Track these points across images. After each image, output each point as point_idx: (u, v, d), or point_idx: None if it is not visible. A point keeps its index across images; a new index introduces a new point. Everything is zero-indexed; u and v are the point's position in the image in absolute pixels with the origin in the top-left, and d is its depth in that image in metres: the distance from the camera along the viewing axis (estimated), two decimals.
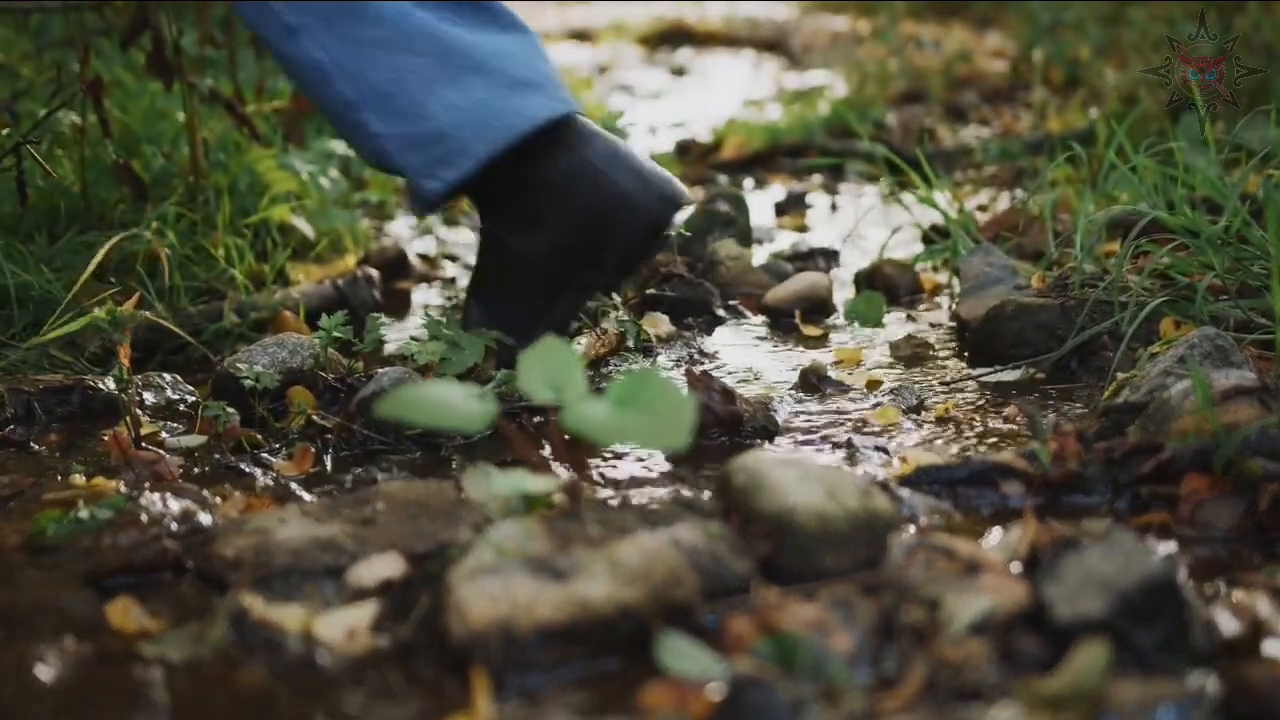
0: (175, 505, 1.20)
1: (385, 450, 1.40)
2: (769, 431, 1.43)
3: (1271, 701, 0.83)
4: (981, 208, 2.67)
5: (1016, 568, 0.99)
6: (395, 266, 2.30)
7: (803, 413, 1.51)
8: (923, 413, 1.49)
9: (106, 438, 1.37)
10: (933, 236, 2.32)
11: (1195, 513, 1.16)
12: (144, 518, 1.17)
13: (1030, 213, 2.19)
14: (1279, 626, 0.95)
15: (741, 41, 6.34)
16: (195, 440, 1.43)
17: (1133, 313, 1.56)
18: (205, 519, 1.19)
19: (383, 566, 1.05)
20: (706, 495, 1.22)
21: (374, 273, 2.08)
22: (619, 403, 1.01)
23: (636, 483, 1.30)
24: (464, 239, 2.56)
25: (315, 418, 1.44)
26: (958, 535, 1.07)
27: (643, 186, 1.52)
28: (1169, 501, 1.18)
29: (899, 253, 2.24)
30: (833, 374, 1.62)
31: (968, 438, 1.40)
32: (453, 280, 2.29)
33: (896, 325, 1.92)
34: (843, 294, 2.09)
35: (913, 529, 1.14)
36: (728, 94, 4.60)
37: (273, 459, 1.37)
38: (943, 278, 2.14)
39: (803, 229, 2.70)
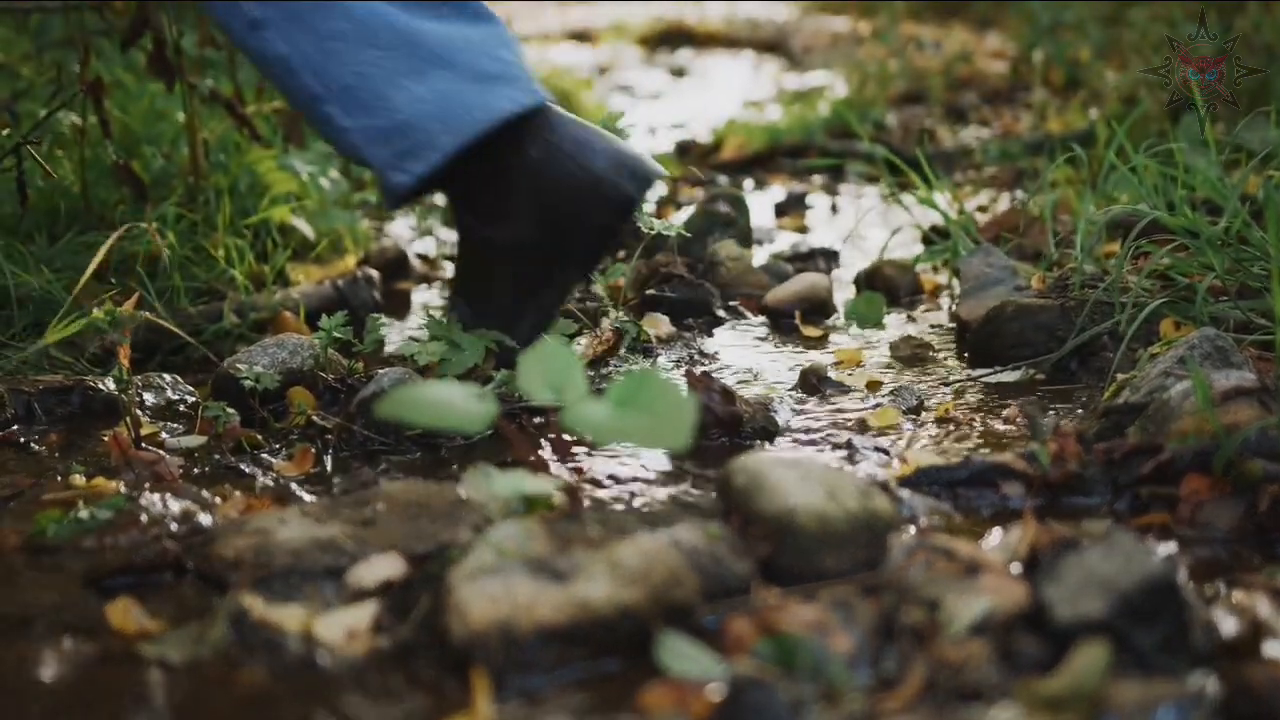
0: (175, 506, 1.20)
1: (385, 451, 1.40)
2: (769, 432, 1.43)
3: (1271, 702, 0.83)
4: (981, 209, 2.67)
5: (1016, 568, 0.99)
6: (395, 267, 2.30)
7: (803, 413, 1.51)
8: (923, 413, 1.49)
9: (106, 438, 1.37)
10: (933, 237, 2.32)
11: (1195, 514, 1.16)
12: (144, 518, 1.17)
13: (1030, 214, 2.19)
14: (1279, 627, 0.95)
15: (741, 42, 6.34)
16: (195, 441, 1.43)
17: (1132, 314, 1.56)
18: (205, 519, 1.19)
19: (383, 567, 1.05)
20: (707, 496, 1.22)
21: (374, 273, 2.08)
22: (619, 403, 1.01)
23: (636, 483, 1.30)
24: None
25: (315, 418, 1.44)
26: (958, 536, 1.07)
27: (613, 166, 1.51)
28: (1169, 502, 1.18)
29: (899, 253, 2.24)
30: (833, 375, 1.62)
31: (968, 439, 1.40)
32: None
33: (896, 326, 1.92)
34: (843, 295, 2.09)
35: (913, 530, 1.14)
36: (728, 95, 4.60)
37: (273, 459, 1.37)
38: (943, 278, 2.14)
39: (803, 230, 2.70)
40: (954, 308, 1.92)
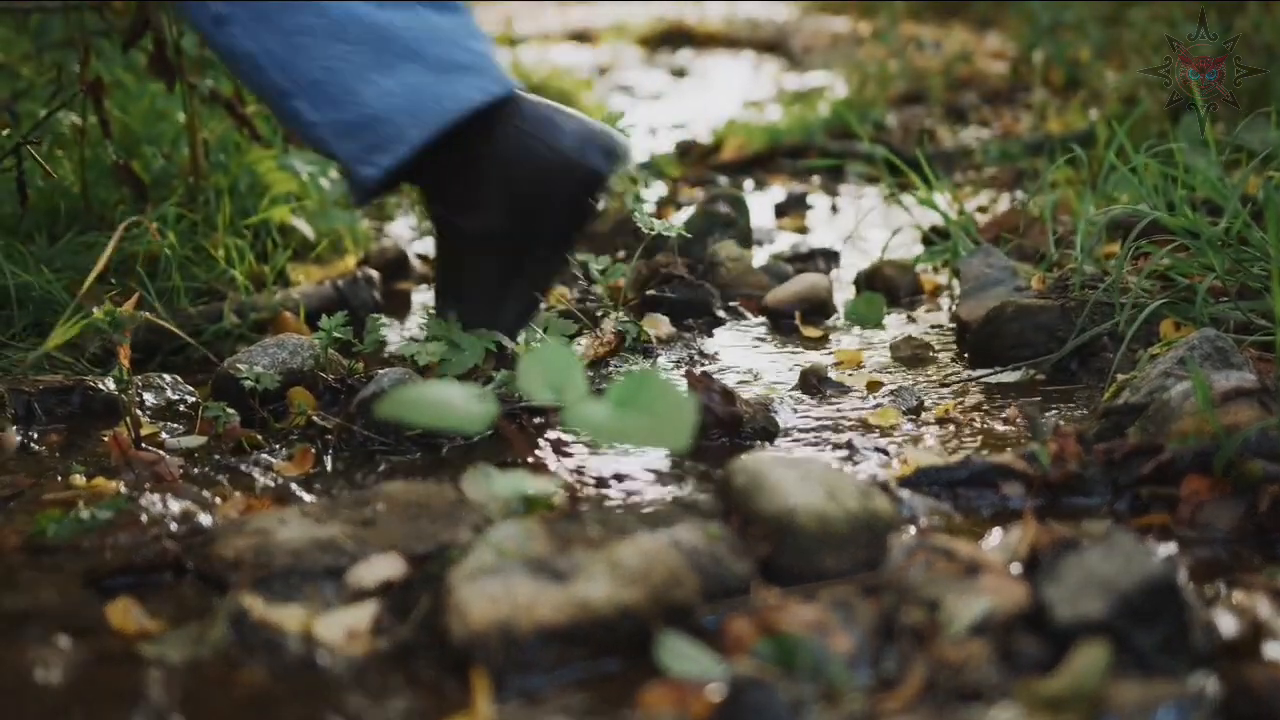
0: (175, 506, 1.20)
1: (385, 451, 1.40)
2: (769, 432, 1.43)
3: (1271, 703, 0.83)
4: (982, 209, 2.67)
5: (1016, 569, 0.99)
6: (395, 267, 2.30)
7: (803, 414, 1.51)
8: (923, 414, 1.49)
9: (106, 438, 1.37)
10: (933, 238, 2.32)
11: (1195, 514, 1.16)
12: (144, 518, 1.17)
13: (1030, 214, 2.19)
14: (1279, 628, 0.95)
15: (742, 43, 6.34)
16: (195, 441, 1.43)
17: (1132, 314, 1.56)
18: (205, 519, 1.19)
19: (383, 567, 1.05)
20: (706, 496, 1.22)
21: (374, 273, 2.08)
22: (619, 404, 1.01)
23: (637, 483, 1.30)
24: None
25: (315, 418, 1.44)
26: (958, 536, 1.07)
27: (579, 143, 1.51)
28: (1169, 503, 1.18)
29: (899, 254, 2.24)
30: (833, 375, 1.62)
31: (968, 439, 1.40)
32: None
33: (897, 327, 1.92)
34: (843, 295, 2.09)
35: (913, 530, 1.14)
36: (728, 95, 4.60)
37: (273, 460, 1.37)
38: (943, 279, 2.14)
39: (803, 230, 2.70)
40: (954, 308, 1.92)
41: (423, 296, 2.19)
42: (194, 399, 1.57)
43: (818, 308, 1.97)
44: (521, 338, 1.59)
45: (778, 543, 1.04)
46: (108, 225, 1.95)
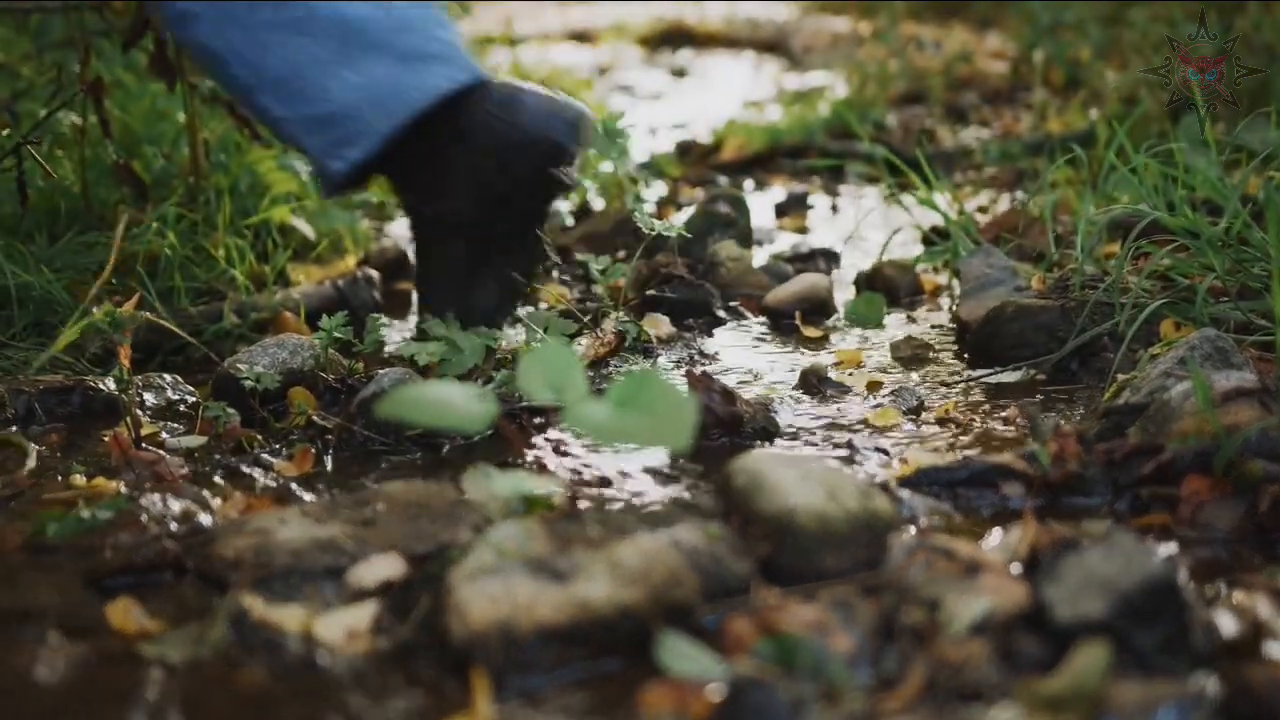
0: (175, 505, 1.20)
1: (386, 451, 1.40)
2: (769, 432, 1.43)
3: (1272, 703, 0.83)
4: (982, 209, 2.67)
5: (1017, 569, 0.99)
6: (395, 267, 2.30)
7: (803, 414, 1.51)
8: (923, 414, 1.49)
9: (107, 438, 1.37)
10: (933, 238, 2.32)
11: (1196, 514, 1.16)
12: (144, 518, 1.17)
13: (1030, 214, 2.19)
14: (1279, 628, 0.95)
15: (742, 42, 6.34)
16: (195, 441, 1.43)
17: (1133, 314, 1.56)
18: (205, 519, 1.19)
19: (383, 567, 1.05)
20: (707, 496, 1.22)
21: (374, 273, 2.08)
22: (620, 404, 1.01)
23: (636, 483, 1.30)
24: None
25: (315, 418, 1.44)
26: (958, 536, 1.07)
27: (541, 118, 1.51)
28: (1169, 503, 1.18)
29: (899, 254, 2.23)
30: (833, 375, 1.62)
31: (968, 439, 1.40)
32: None
33: (897, 327, 1.92)
34: (843, 295, 2.09)
35: (913, 530, 1.14)
36: (728, 95, 4.59)
37: (273, 459, 1.37)
38: (943, 279, 2.14)
39: (803, 230, 2.70)
40: (954, 308, 1.92)
41: None
42: (194, 399, 1.57)
43: (818, 308, 1.97)
44: (521, 335, 1.59)
45: (778, 543, 1.04)
46: (108, 225, 1.95)
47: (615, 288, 1.91)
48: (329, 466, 1.37)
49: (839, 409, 1.52)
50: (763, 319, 1.97)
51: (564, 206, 2.43)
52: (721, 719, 0.83)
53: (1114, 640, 0.87)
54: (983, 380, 1.62)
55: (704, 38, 6.49)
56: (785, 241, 2.53)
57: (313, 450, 1.38)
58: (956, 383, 1.62)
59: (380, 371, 1.48)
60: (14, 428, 1.46)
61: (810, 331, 1.88)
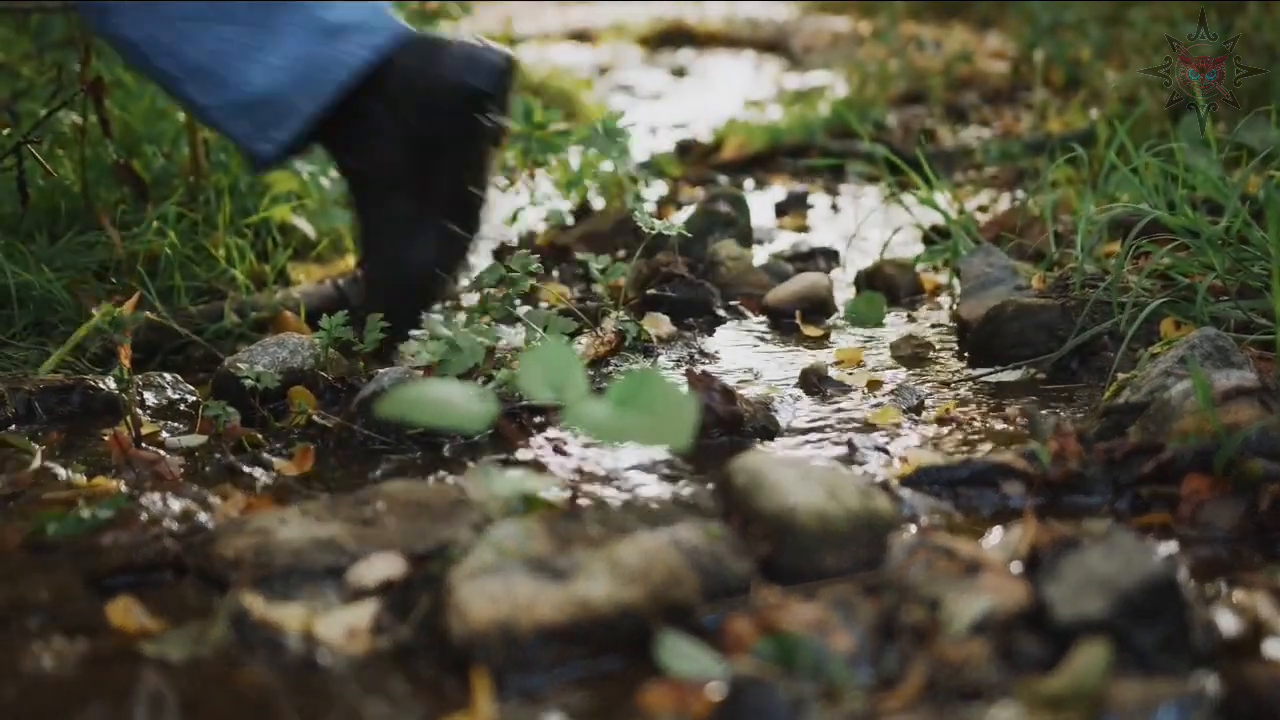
0: (175, 505, 1.20)
1: (386, 450, 1.40)
2: (769, 431, 1.43)
3: (1272, 702, 0.83)
4: (982, 208, 2.67)
5: (1017, 568, 0.99)
6: None
7: (803, 413, 1.51)
8: (923, 413, 1.49)
9: (107, 438, 1.37)
10: (933, 237, 2.32)
11: (1196, 513, 1.16)
12: (144, 517, 1.17)
13: (1031, 213, 2.19)
14: (1279, 627, 0.95)
15: (742, 42, 6.34)
16: (196, 440, 1.43)
17: (1133, 313, 1.56)
18: (205, 519, 1.19)
19: (383, 566, 1.05)
20: (707, 495, 1.22)
21: None
22: (620, 403, 1.01)
23: (637, 482, 1.30)
24: None
25: (316, 417, 1.44)
26: (958, 535, 1.07)
27: (461, 65, 1.52)
28: (1170, 502, 1.18)
29: (900, 253, 2.23)
30: (833, 374, 1.62)
31: (968, 438, 1.40)
32: None
33: (897, 326, 1.92)
34: (843, 294, 2.09)
35: (913, 529, 1.14)
36: (728, 95, 4.59)
37: (273, 459, 1.37)
38: (943, 278, 2.14)
39: (803, 229, 2.70)
40: (954, 307, 1.92)
41: None
42: (194, 398, 1.57)
43: (818, 307, 1.97)
44: (521, 334, 1.59)
45: (778, 542, 1.04)
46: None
47: (615, 287, 1.91)
48: (329, 466, 1.37)
49: (839, 408, 1.52)
50: (763, 318, 1.97)
51: (564, 206, 2.43)
52: (721, 718, 0.83)
53: (1114, 639, 0.87)
54: (983, 379, 1.62)
55: (704, 37, 6.49)
56: (785, 240, 2.53)
57: (313, 449, 1.38)
58: (957, 382, 1.62)
59: (380, 371, 1.48)
60: (13, 426, 1.46)
61: (810, 330, 1.88)
